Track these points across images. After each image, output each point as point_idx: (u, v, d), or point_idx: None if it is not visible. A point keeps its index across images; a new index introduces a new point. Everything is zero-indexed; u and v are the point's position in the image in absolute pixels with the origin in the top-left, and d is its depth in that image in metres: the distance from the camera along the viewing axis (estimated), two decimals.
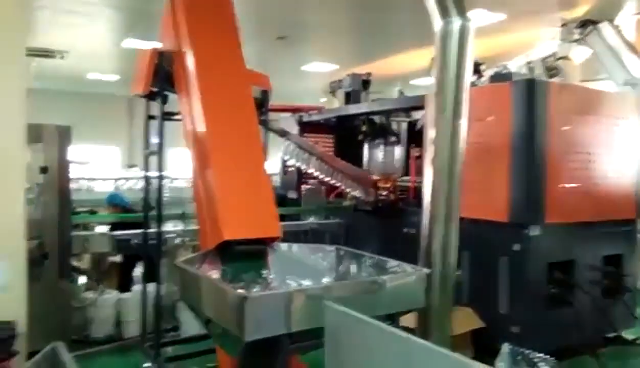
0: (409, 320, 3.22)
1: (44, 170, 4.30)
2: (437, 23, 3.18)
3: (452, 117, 3.17)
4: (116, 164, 17.10)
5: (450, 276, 3.22)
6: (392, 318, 2.45)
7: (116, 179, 10.35)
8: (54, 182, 4.38)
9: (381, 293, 2.35)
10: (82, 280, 5.28)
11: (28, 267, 3.19)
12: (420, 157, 5.10)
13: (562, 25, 6.40)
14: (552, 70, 6.25)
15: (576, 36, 6.22)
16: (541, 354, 3.03)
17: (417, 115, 5.91)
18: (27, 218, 3.17)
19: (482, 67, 5.33)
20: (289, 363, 2.53)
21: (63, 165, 4.43)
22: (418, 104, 5.32)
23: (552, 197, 4.22)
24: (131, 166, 15.55)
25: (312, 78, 12.76)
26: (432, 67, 3.34)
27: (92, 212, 5.92)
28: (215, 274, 2.63)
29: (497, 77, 4.73)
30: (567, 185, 4.34)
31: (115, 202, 6.14)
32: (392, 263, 2.69)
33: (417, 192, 4.97)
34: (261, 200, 3.10)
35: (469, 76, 3.24)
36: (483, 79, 5.17)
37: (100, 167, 13.69)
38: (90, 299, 4.87)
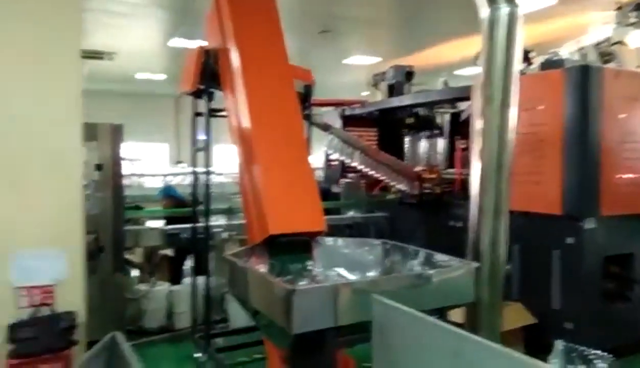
0: (457, 315, 3.17)
1: (99, 167, 4.49)
2: (484, 10, 3.08)
3: (500, 106, 3.07)
4: (164, 161, 17.62)
5: (500, 270, 3.14)
6: (440, 313, 2.42)
7: (165, 175, 10.67)
8: (108, 179, 4.56)
9: (429, 288, 2.32)
10: (135, 273, 5.49)
11: (85, 260, 3.35)
12: (466, 149, 4.99)
13: (617, 9, 6.07)
14: (606, 56, 5.95)
15: (632, 20, 5.89)
16: (598, 351, 2.92)
17: (462, 106, 5.78)
18: (84, 213, 3.32)
19: (532, 54, 5.15)
20: (336, 357, 2.54)
21: (116, 162, 4.61)
22: (464, 95, 5.20)
23: (608, 188, 4.04)
24: (178, 162, 16.02)
25: (353, 71, 12.69)
26: (479, 56, 3.25)
27: (139, 207, 6.13)
28: (262, 267, 2.67)
29: (548, 64, 4.55)
30: (623, 176, 4.14)
31: (170, 194, 6.35)
32: (439, 257, 2.65)
33: (463, 184, 4.88)
34: (306, 194, 3.12)
35: (517, 64, 3.14)
36: (533, 66, 4.99)
37: (150, 164, 14.15)
38: (143, 291, 5.06)
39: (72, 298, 3.16)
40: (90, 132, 4.27)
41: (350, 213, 6.03)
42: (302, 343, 2.23)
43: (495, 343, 1.54)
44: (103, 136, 4.52)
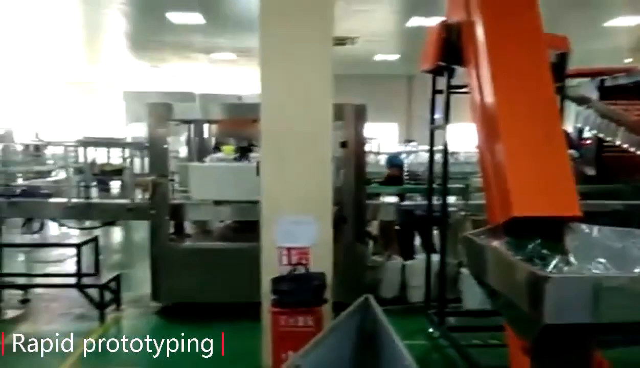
0: None
1: (343, 144, 4.86)
2: None
3: None
4: (394, 139, 18.17)
5: None
6: None
7: (399, 153, 11.03)
8: (351, 156, 4.91)
9: None
10: (370, 244, 5.82)
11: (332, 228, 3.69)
12: None
13: None
14: None
15: None
16: None
17: None
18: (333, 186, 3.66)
19: None
20: (591, 358, 2.27)
21: (359, 140, 4.92)
22: None
23: None
24: (409, 141, 16.27)
25: (613, 35, 10.89)
26: None
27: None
28: (508, 250, 2.53)
29: None
30: None
31: (394, 164, 6.94)
32: None
33: None
34: (557, 175, 2.82)
35: None
36: None
37: (383, 143, 14.77)
38: (380, 262, 5.35)
39: (322, 262, 3.54)
40: (337, 112, 4.63)
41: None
42: (552, 336, 2.05)
43: None
44: (348, 116, 4.85)
